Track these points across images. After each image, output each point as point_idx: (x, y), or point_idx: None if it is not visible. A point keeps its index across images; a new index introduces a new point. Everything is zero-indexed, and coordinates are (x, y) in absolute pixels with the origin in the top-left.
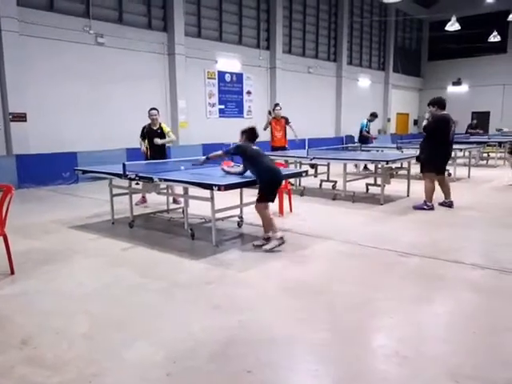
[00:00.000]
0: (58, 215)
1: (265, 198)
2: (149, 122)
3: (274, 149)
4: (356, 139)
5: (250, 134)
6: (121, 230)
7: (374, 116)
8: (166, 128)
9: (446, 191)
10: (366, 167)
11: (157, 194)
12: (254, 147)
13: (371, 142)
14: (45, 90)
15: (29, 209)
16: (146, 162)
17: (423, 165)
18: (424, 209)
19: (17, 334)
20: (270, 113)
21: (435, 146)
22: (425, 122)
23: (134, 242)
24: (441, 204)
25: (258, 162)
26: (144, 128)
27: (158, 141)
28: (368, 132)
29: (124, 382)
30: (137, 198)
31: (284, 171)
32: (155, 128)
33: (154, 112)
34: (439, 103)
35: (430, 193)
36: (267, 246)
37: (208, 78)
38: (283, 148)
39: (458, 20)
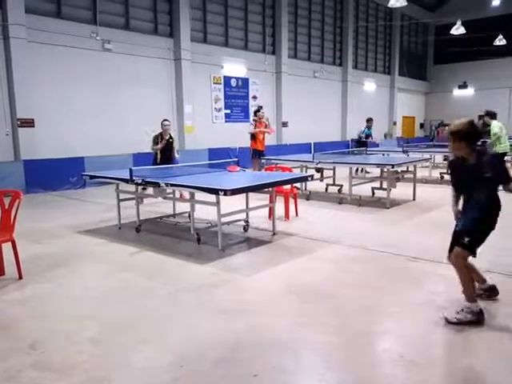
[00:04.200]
0: (65, 220)
1: (476, 242)
2: (160, 131)
3: (257, 152)
4: (353, 144)
5: (474, 132)
6: (128, 235)
7: (369, 121)
8: (175, 137)
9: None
10: (359, 170)
11: (163, 199)
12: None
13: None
14: (52, 96)
15: (37, 214)
16: (153, 168)
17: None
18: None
19: (25, 339)
20: (255, 113)
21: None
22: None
23: (141, 246)
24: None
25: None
26: (157, 137)
27: (177, 155)
28: (367, 137)
29: None
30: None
31: (290, 175)
32: (167, 137)
33: (167, 123)
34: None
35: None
36: (454, 316)
37: (214, 83)
38: (263, 152)
39: (464, 24)
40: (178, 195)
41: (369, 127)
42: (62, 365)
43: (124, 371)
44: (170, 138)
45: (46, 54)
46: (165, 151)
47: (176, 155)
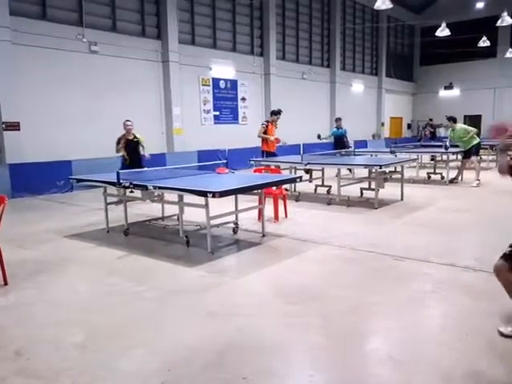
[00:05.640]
0: (52, 224)
1: None
2: (123, 132)
3: (269, 154)
4: (334, 147)
5: None
6: (116, 239)
7: (337, 121)
8: (142, 137)
9: None
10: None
11: (151, 202)
12: None
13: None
14: (38, 99)
15: (22, 218)
16: (141, 170)
17: None
18: None
19: (10, 346)
20: (271, 114)
21: None
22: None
23: (130, 250)
24: None
25: None
26: (119, 139)
27: (147, 155)
28: (342, 138)
29: None
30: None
31: (279, 177)
32: (131, 138)
33: (129, 123)
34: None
35: None
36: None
37: (202, 85)
38: (274, 154)
39: (449, 26)
40: (167, 198)
41: (338, 127)
42: (48, 371)
43: (111, 376)
44: (135, 137)
45: (32, 56)
46: (131, 152)
47: (146, 155)
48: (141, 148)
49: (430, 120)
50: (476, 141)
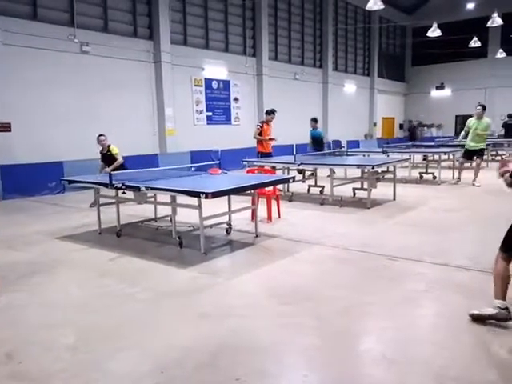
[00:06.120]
0: (44, 226)
1: None
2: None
3: (264, 155)
4: (311, 148)
5: None
6: (108, 240)
7: (312, 121)
8: (114, 150)
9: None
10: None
11: (143, 203)
12: None
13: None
14: (29, 100)
15: (14, 220)
16: (134, 171)
17: None
18: None
19: (1, 348)
20: (269, 113)
21: None
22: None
23: (122, 251)
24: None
25: None
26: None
27: (107, 170)
28: (320, 140)
29: None
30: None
31: (272, 178)
32: (105, 151)
33: (102, 138)
34: None
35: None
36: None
37: (195, 86)
38: (270, 155)
39: (440, 26)
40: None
41: (313, 127)
42: (40, 374)
43: (103, 378)
44: (108, 151)
45: (23, 56)
46: (108, 165)
47: (119, 159)
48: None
49: (410, 121)
50: (486, 142)
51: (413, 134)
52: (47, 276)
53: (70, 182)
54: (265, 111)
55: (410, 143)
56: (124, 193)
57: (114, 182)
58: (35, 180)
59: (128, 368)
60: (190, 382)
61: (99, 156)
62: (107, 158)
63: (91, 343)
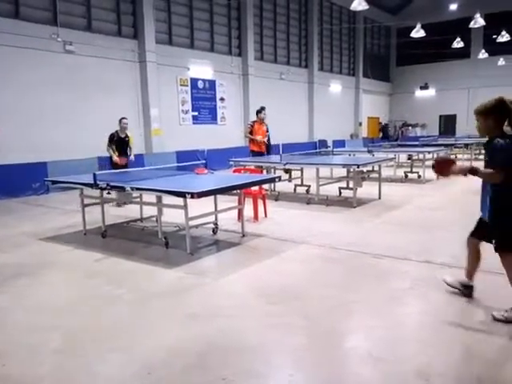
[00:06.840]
0: (28, 227)
1: None
2: (116, 129)
3: (256, 154)
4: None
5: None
6: (93, 241)
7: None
8: (132, 137)
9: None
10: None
11: (128, 204)
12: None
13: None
14: (12, 99)
15: None
16: (117, 171)
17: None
18: None
19: None
20: (256, 114)
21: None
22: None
23: (108, 252)
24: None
25: None
26: (113, 136)
27: (132, 158)
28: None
29: None
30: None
31: (258, 177)
32: (123, 136)
33: (126, 121)
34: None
35: None
36: (502, 314)
37: (181, 85)
38: (262, 154)
39: (424, 27)
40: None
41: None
42: (24, 377)
43: (90, 381)
44: (126, 136)
45: (5, 56)
46: (121, 152)
47: (131, 157)
48: (128, 149)
49: (380, 124)
50: None
51: (384, 133)
52: (33, 278)
53: (54, 182)
54: (255, 112)
55: (395, 143)
56: (109, 193)
57: (98, 182)
58: (19, 180)
59: (115, 370)
60: (177, 383)
61: (105, 141)
62: (125, 143)
63: (77, 345)
